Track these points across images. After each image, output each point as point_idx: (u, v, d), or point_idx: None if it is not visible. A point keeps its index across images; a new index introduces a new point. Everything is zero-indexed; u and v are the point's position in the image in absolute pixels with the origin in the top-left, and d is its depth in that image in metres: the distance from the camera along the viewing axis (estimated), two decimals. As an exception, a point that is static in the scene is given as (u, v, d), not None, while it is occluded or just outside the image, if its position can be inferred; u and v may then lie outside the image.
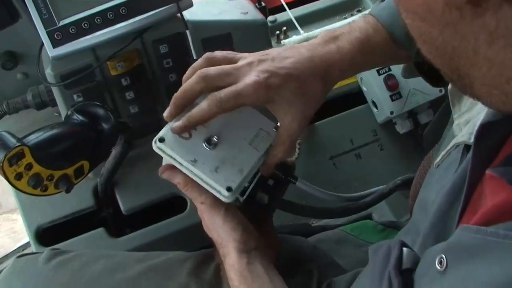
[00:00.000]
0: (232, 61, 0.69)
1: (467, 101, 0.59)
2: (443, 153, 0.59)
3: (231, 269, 0.67)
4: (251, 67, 0.67)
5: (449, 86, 0.62)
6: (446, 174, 0.57)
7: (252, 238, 0.69)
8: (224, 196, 0.67)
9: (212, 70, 0.66)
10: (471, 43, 0.37)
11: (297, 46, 0.71)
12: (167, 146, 0.68)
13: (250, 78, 0.65)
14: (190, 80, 0.67)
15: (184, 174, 0.68)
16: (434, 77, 0.78)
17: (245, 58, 0.69)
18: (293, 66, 0.67)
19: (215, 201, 0.67)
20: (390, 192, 0.84)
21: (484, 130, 0.49)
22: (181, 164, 0.67)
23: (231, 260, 0.67)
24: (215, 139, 0.69)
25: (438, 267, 0.45)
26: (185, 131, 0.68)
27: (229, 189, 0.67)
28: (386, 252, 0.55)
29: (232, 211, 0.69)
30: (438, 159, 0.60)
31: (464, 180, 0.50)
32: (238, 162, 0.69)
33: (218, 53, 0.70)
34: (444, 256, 0.45)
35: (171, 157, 0.68)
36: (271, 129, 0.72)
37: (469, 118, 0.58)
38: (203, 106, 0.65)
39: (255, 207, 0.73)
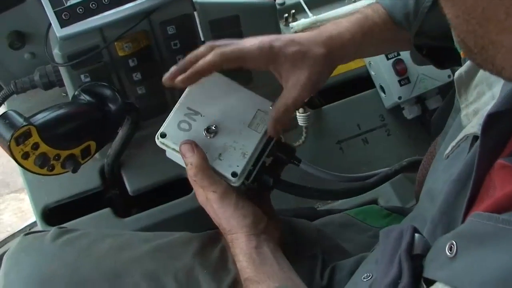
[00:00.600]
0: None
1: (473, 90, 0.59)
2: (453, 144, 0.59)
3: (240, 252, 0.68)
4: (256, 37, 0.70)
5: (455, 75, 0.61)
6: (453, 164, 0.57)
7: (261, 223, 0.70)
8: (231, 181, 0.69)
9: (219, 41, 0.70)
10: (505, 4, 0.35)
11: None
12: (169, 140, 0.70)
13: (254, 40, 0.69)
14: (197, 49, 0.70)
15: (201, 156, 0.68)
16: (438, 58, 0.78)
17: None
18: (295, 36, 0.71)
19: (226, 190, 0.69)
20: (395, 173, 0.84)
21: (492, 120, 0.49)
22: None
23: (240, 243, 0.69)
24: (214, 128, 0.71)
25: (448, 253, 0.45)
26: (188, 82, 0.69)
27: (234, 174, 0.69)
28: (397, 236, 0.55)
29: (243, 198, 0.70)
30: (448, 150, 0.59)
31: (471, 170, 0.50)
32: (240, 146, 0.70)
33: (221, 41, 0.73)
34: (454, 242, 0.45)
35: (174, 150, 0.70)
36: (268, 108, 0.72)
37: (477, 108, 0.57)
38: (207, 57, 0.67)
39: (258, 189, 0.74)
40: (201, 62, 0.68)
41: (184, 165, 0.72)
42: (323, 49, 0.71)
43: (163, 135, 0.71)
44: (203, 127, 0.71)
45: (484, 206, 0.46)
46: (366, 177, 0.87)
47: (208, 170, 0.68)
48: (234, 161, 0.70)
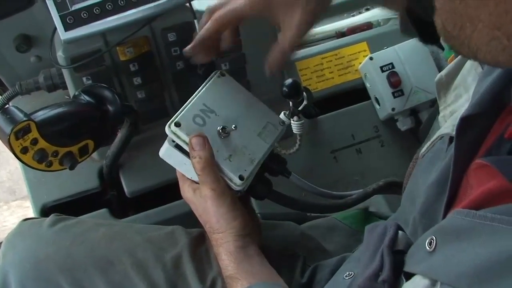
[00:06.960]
0: None
1: (452, 93, 0.61)
2: (427, 144, 0.61)
3: (223, 251, 0.70)
4: None
5: (436, 78, 0.64)
6: (431, 165, 0.59)
7: (248, 226, 0.72)
8: (235, 184, 0.70)
9: (216, 4, 0.72)
10: None
11: None
12: (182, 131, 0.70)
13: None
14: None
15: (211, 151, 0.69)
16: (424, 32, 0.79)
17: None
18: None
19: (224, 190, 0.70)
20: (373, 192, 0.87)
21: (465, 123, 0.51)
22: None
23: (225, 242, 0.71)
24: (227, 129, 0.72)
25: (428, 248, 0.48)
26: (195, 50, 0.72)
27: (241, 177, 0.70)
28: (381, 232, 0.57)
29: (235, 201, 0.72)
30: (423, 150, 0.62)
31: (449, 173, 0.52)
32: (249, 152, 0.72)
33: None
34: (434, 237, 0.47)
35: (184, 142, 0.70)
36: (277, 123, 0.76)
37: (453, 110, 0.60)
38: (207, 25, 0.70)
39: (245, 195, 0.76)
40: (202, 31, 0.71)
41: (178, 167, 0.74)
42: None
43: (177, 124, 0.70)
44: (217, 126, 0.72)
45: (462, 205, 0.48)
46: (347, 195, 0.91)
47: (214, 166, 0.69)
48: (243, 165, 0.71)
